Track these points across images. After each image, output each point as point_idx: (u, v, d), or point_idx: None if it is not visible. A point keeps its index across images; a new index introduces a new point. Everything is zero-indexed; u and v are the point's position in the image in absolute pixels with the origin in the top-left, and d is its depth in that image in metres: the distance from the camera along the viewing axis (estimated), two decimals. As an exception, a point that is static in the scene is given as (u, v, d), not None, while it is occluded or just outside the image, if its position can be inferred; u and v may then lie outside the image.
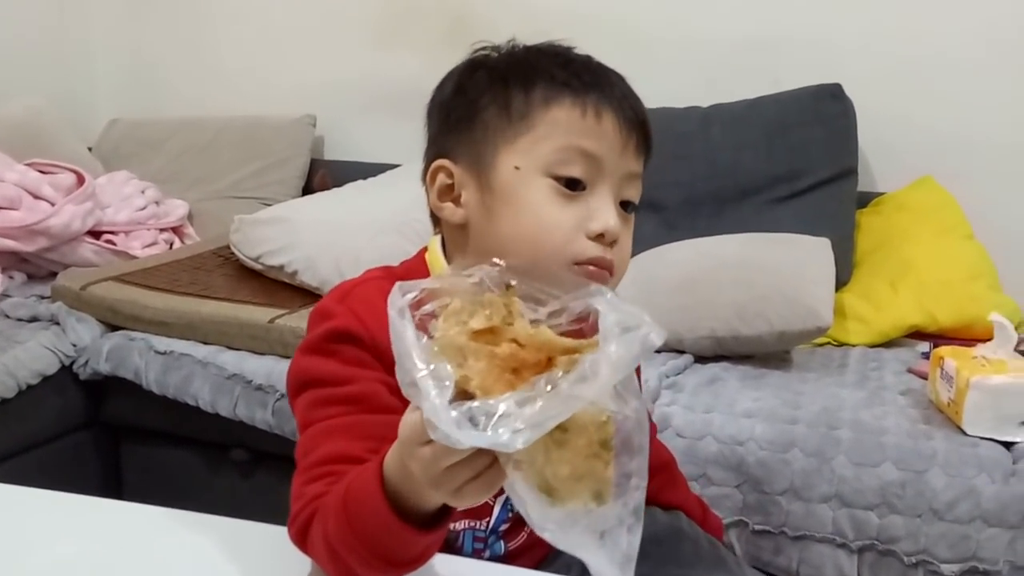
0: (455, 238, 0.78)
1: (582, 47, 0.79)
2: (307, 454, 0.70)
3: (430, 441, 0.53)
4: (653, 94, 2.18)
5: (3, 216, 1.88)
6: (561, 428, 0.53)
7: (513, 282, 0.58)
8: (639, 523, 0.54)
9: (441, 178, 0.77)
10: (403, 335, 0.54)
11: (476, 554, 0.80)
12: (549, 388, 0.52)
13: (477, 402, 0.51)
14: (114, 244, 2.04)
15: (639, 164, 0.77)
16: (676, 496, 0.97)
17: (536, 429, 0.50)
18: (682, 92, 2.12)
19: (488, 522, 0.80)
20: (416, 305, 0.57)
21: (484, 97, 0.76)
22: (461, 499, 0.56)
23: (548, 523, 0.53)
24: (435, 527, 0.62)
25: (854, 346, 1.71)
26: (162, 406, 1.69)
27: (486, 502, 0.78)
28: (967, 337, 1.63)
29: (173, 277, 1.84)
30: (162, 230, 2.15)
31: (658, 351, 1.62)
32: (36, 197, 1.93)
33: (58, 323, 1.73)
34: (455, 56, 0.83)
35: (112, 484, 1.79)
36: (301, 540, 0.67)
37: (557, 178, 0.73)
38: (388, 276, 0.78)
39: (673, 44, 2.21)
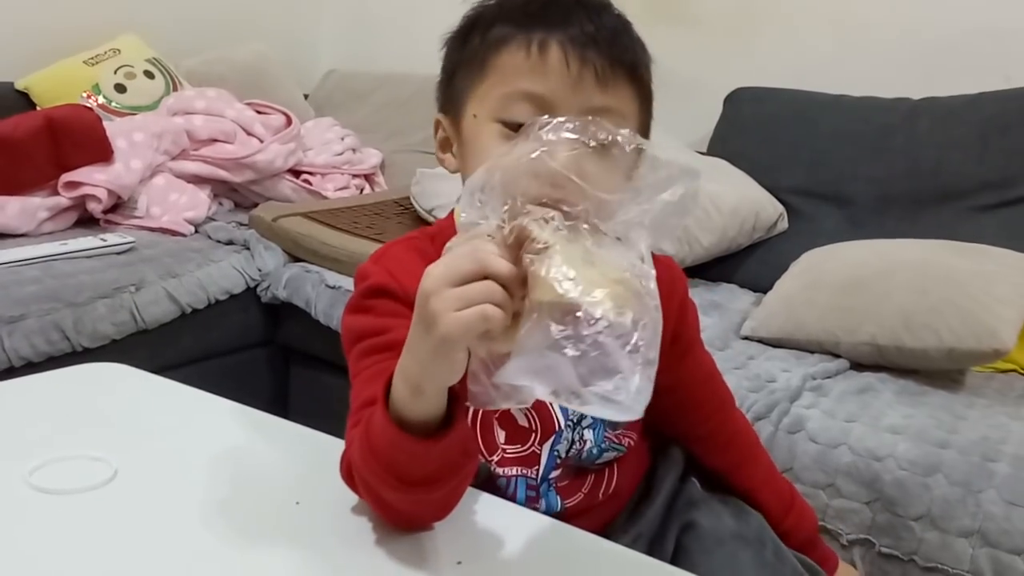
0: (462, 179, 0.80)
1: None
2: (353, 401, 0.74)
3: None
4: (859, 82, 2.07)
5: (219, 148, 2.09)
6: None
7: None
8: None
9: (440, 132, 0.81)
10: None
11: (530, 503, 0.81)
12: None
13: None
14: (310, 184, 2.21)
15: (608, 96, 0.71)
16: (755, 476, 0.92)
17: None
18: (893, 82, 1.97)
19: (537, 470, 0.80)
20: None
21: (459, 51, 0.78)
22: (448, 323, 0.56)
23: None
24: (437, 437, 0.62)
25: (1047, 377, 1.54)
26: (327, 336, 1.81)
27: (533, 450, 0.79)
28: None
29: (354, 220, 1.97)
30: (355, 176, 2.30)
31: (811, 352, 1.54)
32: (249, 133, 2.13)
33: (249, 248, 1.90)
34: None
35: (280, 400, 1.96)
36: (349, 480, 0.71)
37: (505, 123, 0.72)
38: (422, 235, 0.82)
39: (891, 30, 2.05)
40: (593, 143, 0.59)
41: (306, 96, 2.72)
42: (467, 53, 0.76)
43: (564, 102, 0.71)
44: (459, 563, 0.68)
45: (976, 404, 1.40)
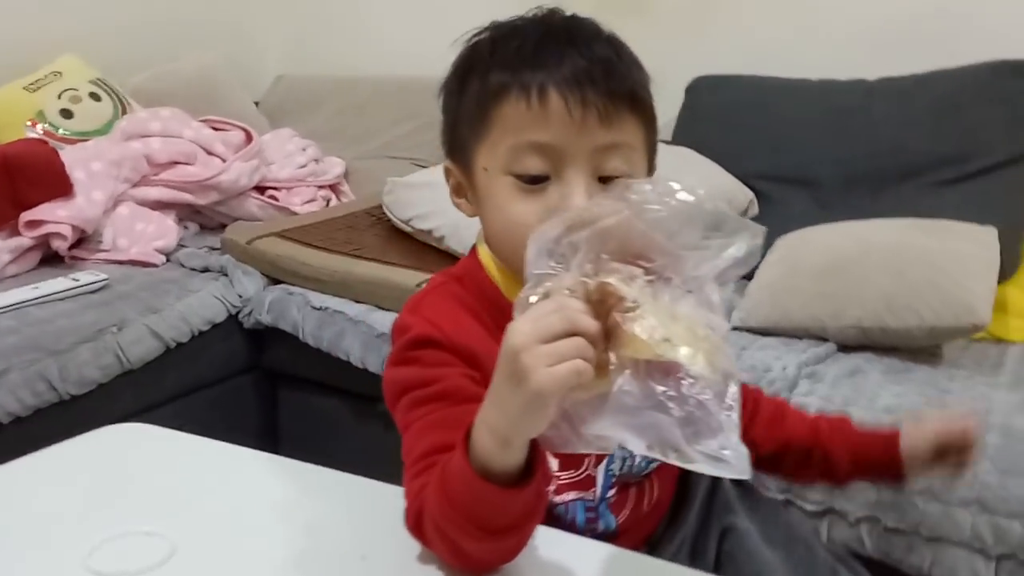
0: (481, 223, 0.82)
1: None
2: (409, 452, 0.75)
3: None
4: (815, 65, 2.11)
5: (181, 171, 2.04)
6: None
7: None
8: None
9: (451, 178, 0.82)
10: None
11: (589, 523, 0.83)
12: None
13: None
14: (276, 200, 2.17)
15: (612, 133, 0.73)
16: (784, 428, 0.96)
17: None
18: (847, 64, 2.03)
19: (595, 492, 0.82)
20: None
21: (457, 98, 0.79)
22: (542, 378, 0.57)
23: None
24: (521, 485, 0.64)
25: (1014, 343, 1.61)
26: (316, 357, 1.80)
27: (588, 473, 0.81)
28: None
29: (329, 235, 1.95)
30: (320, 187, 2.27)
31: (799, 338, 1.59)
32: (209, 153, 2.08)
33: (226, 274, 1.86)
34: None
35: (269, 426, 1.94)
36: (418, 531, 0.72)
37: (517, 176, 0.74)
38: (448, 279, 0.83)
39: (841, 12, 2.10)
40: (673, 202, 0.61)
41: (256, 104, 2.66)
42: (467, 102, 0.77)
43: (571, 147, 0.73)
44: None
45: (956, 376, 1.47)
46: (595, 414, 0.60)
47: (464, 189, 0.81)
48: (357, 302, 1.77)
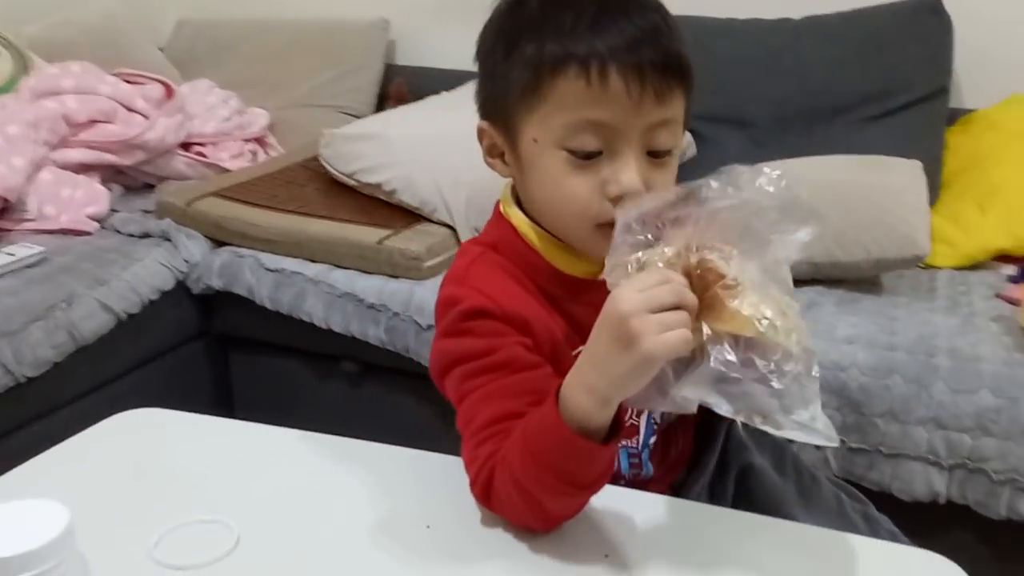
0: (517, 186, 0.83)
1: None
2: (470, 422, 0.76)
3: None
4: (742, 4, 2.14)
5: (101, 130, 1.91)
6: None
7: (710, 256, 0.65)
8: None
9: (486, 139, 0.82)
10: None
11: (633, 469, 0.86)
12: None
13: None
14: (204, 156, 2.07)
15: (665, 110, 0.74)
16: None
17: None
18: (773, 2, 2.07)
19: (638, 440, 0.86)
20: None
21: (503, 62, 0.78)
22: (653, 345, 0.60)
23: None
24: (609, 440, 0.68)
25: (940, 269, 1.74)
26: (269, 318, 1.76)
27: (631, 422, 0.84)
28: (1057, 263, 1.66)
29: (270, 192, 1.88)
30: (246, 140, 2.17)
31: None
32: (129, 110, 1.95)
33: (169, 239, 1.78)
34: None
35: (223, 392, 1.88)
36: (485, 497, 0.74)
37: (571, 151, 0.75)
38: (486, 248, 0.83)
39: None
40: (775, 191, 0.64)
41: (161, 50, 2.49)
42: (516, 71, 0.76)
43: (626, 125, 0.74)
44: (606, 556, 0.74)
45: (899, 304, 1.59)
46: (684, 378, 0.64)
47: (498, 150, 0.81)
48: (313, 261, 1.73)
